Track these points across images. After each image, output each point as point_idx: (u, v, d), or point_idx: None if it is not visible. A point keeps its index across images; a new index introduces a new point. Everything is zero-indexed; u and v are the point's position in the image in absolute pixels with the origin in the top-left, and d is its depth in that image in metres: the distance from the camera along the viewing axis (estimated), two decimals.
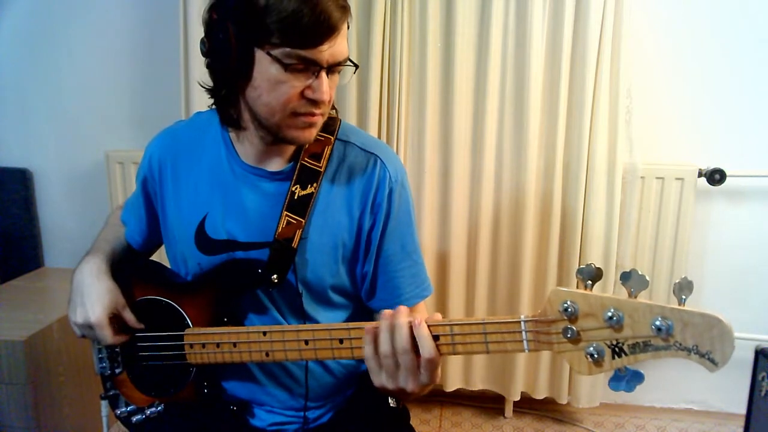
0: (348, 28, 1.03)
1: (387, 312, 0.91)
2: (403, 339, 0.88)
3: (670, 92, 2.19)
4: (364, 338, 0.92)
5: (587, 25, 2.01)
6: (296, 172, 1.11)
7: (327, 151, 1.13)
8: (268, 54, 0.95)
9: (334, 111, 1.15)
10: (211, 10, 0.99)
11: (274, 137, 1.06)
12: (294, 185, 1.10)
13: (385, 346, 0.89)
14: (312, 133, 1.06)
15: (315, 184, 1.11)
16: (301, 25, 0.92)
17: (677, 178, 2.16)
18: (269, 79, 0.98)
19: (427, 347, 0.87)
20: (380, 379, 0.92)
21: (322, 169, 1.11)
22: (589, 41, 2.02)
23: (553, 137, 2.13)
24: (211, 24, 1.00)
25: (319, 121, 1.05)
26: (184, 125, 1.27)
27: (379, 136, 2.19)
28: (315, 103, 1.00)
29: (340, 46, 0.98)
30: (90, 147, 2.49)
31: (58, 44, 2.43)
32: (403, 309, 0.91)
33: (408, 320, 0.88)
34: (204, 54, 1.03)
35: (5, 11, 2.42)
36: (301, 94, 0.99)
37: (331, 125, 1.15)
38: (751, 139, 2.18)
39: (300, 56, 0.95)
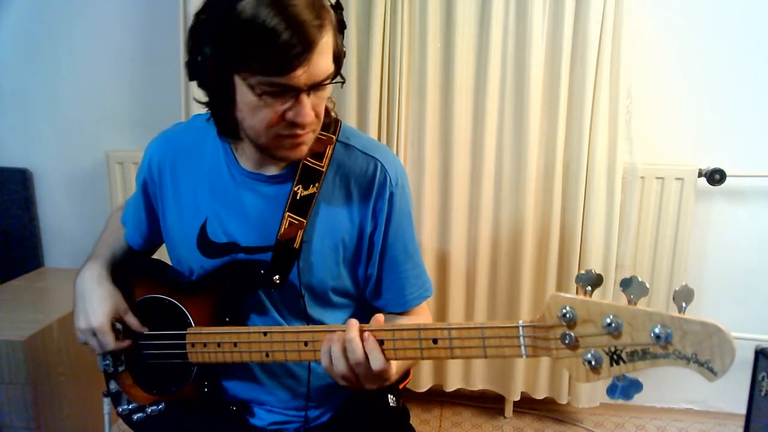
0: (344, 28, 1.02)
1: (335, 335, 0.96)
2: (356, 353, 0.93)
3: (670, 92, 2.19)
4: (321, 356, 0.97)
5: (587, 25, 2.01)
6: (298, 172, 1.11)
7: (329, 150, 1.13)
8: (244, 81, 0.94)
9: (333, 113, 1.15)
10: (189, 36, 0.98)
11: (266, 155, 1.07)
12: (296, 185, 1.10)
13: (339, 363, 0.95)
14: (302, 150, 1.04)
15: (317, 184, 1.10)
16: (269, 53, 0.89)
17: (677, 178, 2.15)
18: (248, 104, 0.96)
19: (375, 360, 0.93)
20: (341, 383, 0.98)
21: (324, 169, 1.11)
22: (589, 41, 2.02)
23: (553, 137, 2.12)
24: (190, 50, 0.98)
25: (308, 137, 1.03)
26: (182, 128, 1.27)
27: (379, 137, 2.19)
28: (298, 124, 0.98)
29: (318, 66, 0.94)
30: (90, 147, 2.48)
31: (58, 44, 2.43)
32: (352, 323, 0.96)
33: (357, 335, 0.94)
34: (189, 78, 1.01)
35: (5, 11, 2.42)
36: (284, 117, 0.97)
37: (331, 125, 1.15)
38: (751, 139, 2.18)
39: (274, 83, 0.92)
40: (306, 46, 0.90)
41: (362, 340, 0.93)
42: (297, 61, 0.90)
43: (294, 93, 0.94)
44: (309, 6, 0.90)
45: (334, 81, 1.01)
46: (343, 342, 0.94)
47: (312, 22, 0.90)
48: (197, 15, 0.96)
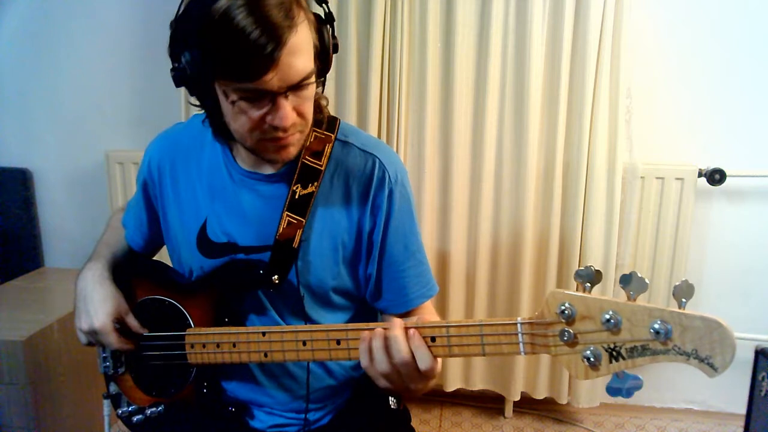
0: (331, 21, 1.00)
1: (378, 330, 0.91)
2: (401, 353, 0.88)
3: (670, 92, 2.19)
4: (360, 351, 0.92)
5: (587, 24, 2.01)
6: (297, 171, 1.10)
7: (328, 149, 1.12)
8: (220, 88, 0.94)
9: (325, 110, 1.14)
10: (169, 44, 0.97)
11: (257, 157, 1.07)
12: (295, 184, 1.10)
13: (382, 363, 0.89)
14: (290, 152, 1.03)
15: (315, 183, 1.10)
16: (234, 61, 0.88)
17: (677, 178, 2.15)
18: (229, 110, 0.96)
19: (423, 358, 0.88)
20: (383, 383, 0.92)
21: (322, 168, 1.11)
22: (589, 41, 2.02)
23: (553, 137, 2.13)
24: (171, 57, 0.97)
25: (294, 138, 1.01)
26: (182, 128, 1.27)
27: (379, 136, 2.19)
28: (279, 128, 0.96)
29: (291, 68, 0.91)
30: (90, 147, 2.49)
31: (58, 44, 2.43)
32: (396, 321, 0.90)
33: (402, 332, 0.89)
34: (176, 85, 0.99)
35: (5, 11, 2.42)
36: (264, 120, 0.95)
37: (330, 123, 1.14)
38: (751, 139, 2.18)
39: (247, 89, 0.91)
40: (275, 46, 0.87)
41: (407, 337, 0.89)
42: (265, 64, 0.88)
43: (270, 96, 0.93)
44: (277, 6, 0.87)
45: (317, 80, 0.99)
46: (385, 339, 0.89)
47: (281, 22, 0.87)
48: (172, 23, 0.95)
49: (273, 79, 0.89)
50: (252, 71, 0.88)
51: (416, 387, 0.92)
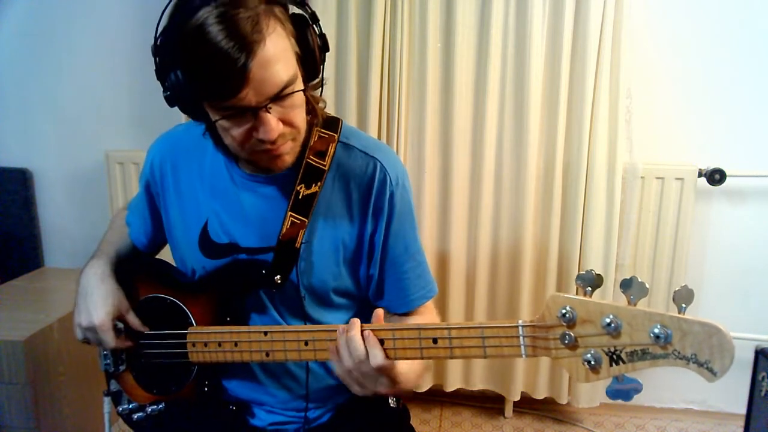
0: (315, 21, 0.99)
1: (341, 327, 0.96)
2: (357, 350, 0.93)
3: (670, 92, 2.19)
4: (331, 356, 0.97)
5: (587, 24, 2.01)
6: (301, 171, 1.10)
7: (331, 149, 1.12)
8: (204, 107, 0.94)
9: (321, 113, 1.13)
10: (155, 70, 0.96)
11: (255, 166, 1.08)
12: (299, 184, 1.10)
13: (346, 360, 0.94)
14: (285, 160, 1.03)
15: (319, 183, 1.10)
16: (208, 79, 0.87)
17: (677, 178, 2.15)
18: (218, 126, 0.97)
19: (373, 356, 0.92)
20: (355, 388, 0.97)
21: (326, 168, 1.11)
22: (589, 41, 2.02)
23: (553, 137, 2.13)
24: (160, 81, 0.96)
25: (287, 147, 1.01)
26: (183, 129, 1.26)
27: (379, 136, 2.19)
28: (266, 141, 0.95)
29: (267, 81, 0.89)
30: (90, 147, 2.49)
31: (58, 44, 2.43)
32: (355, 321, 0.95)
33: (359, 332, 0.94)
34: (169, 105, 0.98)
35: (5, 11, 2.42)
36: (252, 134, 0.95)
37: (332, 123, 1.14)
38: (751, 139, 2.18)
39: (224, 107, 0.91)
40: (242, 67, 0.86)
41: (363, 338, 0.93)
42: (237, 81, 0.87)
43: (252, 112, 0.92)
44: (244, 20, 0.86)
45: (307, 84, 0.99)
46: (346, 341, 0.94)
47: (247, 37, 0.86)
48: (153, 49, 0.95)
49: (249, 95, 0.89)
50: (225, 89, 0.88)
51: (376, 387, 0.96)
